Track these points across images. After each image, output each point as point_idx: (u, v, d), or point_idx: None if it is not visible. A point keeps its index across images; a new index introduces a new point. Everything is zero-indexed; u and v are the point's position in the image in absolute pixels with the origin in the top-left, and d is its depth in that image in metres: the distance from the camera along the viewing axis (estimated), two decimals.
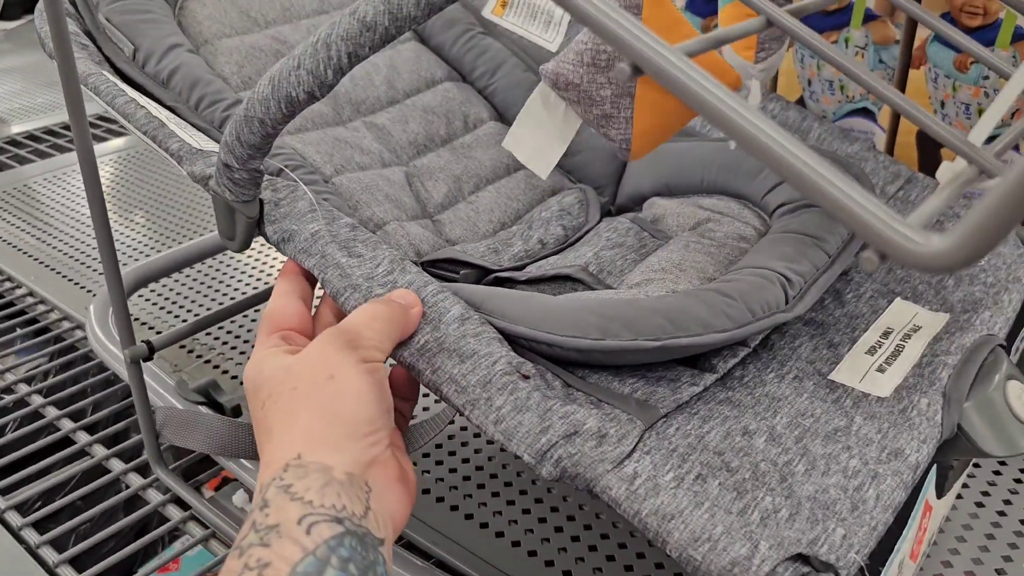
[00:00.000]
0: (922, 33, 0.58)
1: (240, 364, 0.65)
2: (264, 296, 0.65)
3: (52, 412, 0.61)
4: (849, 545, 0.33)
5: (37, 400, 0.62)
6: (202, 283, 0.76)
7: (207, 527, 0.51)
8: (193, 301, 0.73)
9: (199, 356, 0.66)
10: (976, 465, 0.54)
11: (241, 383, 0.64)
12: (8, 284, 0.76)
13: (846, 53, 0.62)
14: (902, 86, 0.60)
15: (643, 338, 0.37)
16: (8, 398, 0.61)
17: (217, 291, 0.75)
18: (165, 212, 0.89)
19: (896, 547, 0.34)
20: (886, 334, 0.44)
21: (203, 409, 0.53)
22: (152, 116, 0.48)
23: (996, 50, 0.52)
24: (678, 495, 0.33)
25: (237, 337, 0.68)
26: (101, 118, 1.14)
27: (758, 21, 0.32)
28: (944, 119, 0.56)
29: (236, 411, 0.56)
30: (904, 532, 0.35)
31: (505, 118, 0.65)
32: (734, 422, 0.38)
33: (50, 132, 1.13)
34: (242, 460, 0.51)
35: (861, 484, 0.35)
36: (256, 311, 0.71)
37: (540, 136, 0.44)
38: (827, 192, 0.22)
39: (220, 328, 0.69)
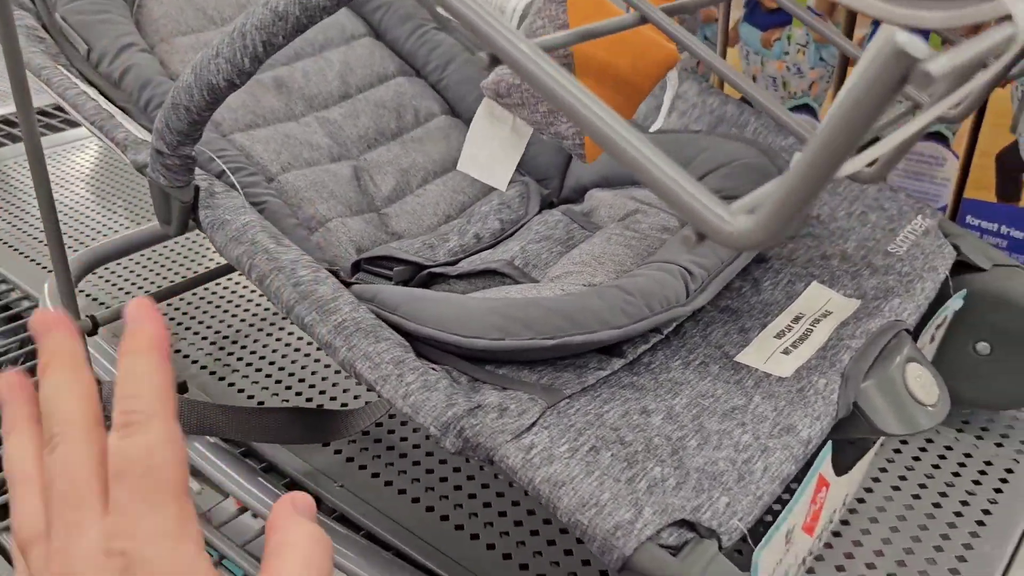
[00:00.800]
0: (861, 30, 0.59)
1: (185, 340, 0.68)
2: (215, 274, 0.68)
3: None
4: (732, 512, 0.34)
5: None
6: (162, 265, 0.78)
7: None
8: (151, 281, 0.76)
9: None
10: (897, 451, 0.56)
11: (179, 353, 0.66)
12: None
13: (789, 50, 0.63)
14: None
15: (541, 337, 0.39)
16: None
17: (175, 272, 0.77)
18: (143, 195, 0.92)
19: (782, 516, 0.36)
20: (797, 319, 0.46)
21: None
22: (101, 108, 0.50)
23: None
24: (570, 464, 0.35)
25: (184, 314, 0.71)
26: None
27: (631, 17, 0.34)
28: None
29: (182, 387, 0.58)
30: (791, 504, 0.37)
31: (456, 111, 0.67)
32: (634, 403, 0.39)
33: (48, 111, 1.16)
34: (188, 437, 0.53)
35: (750, 457, 0.37)
36: (206, 289, 0.74)
37: (492, 150, 0.46)
38: (655, 176, 0.23)
39: (169, 305, 0.72)
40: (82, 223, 0.87)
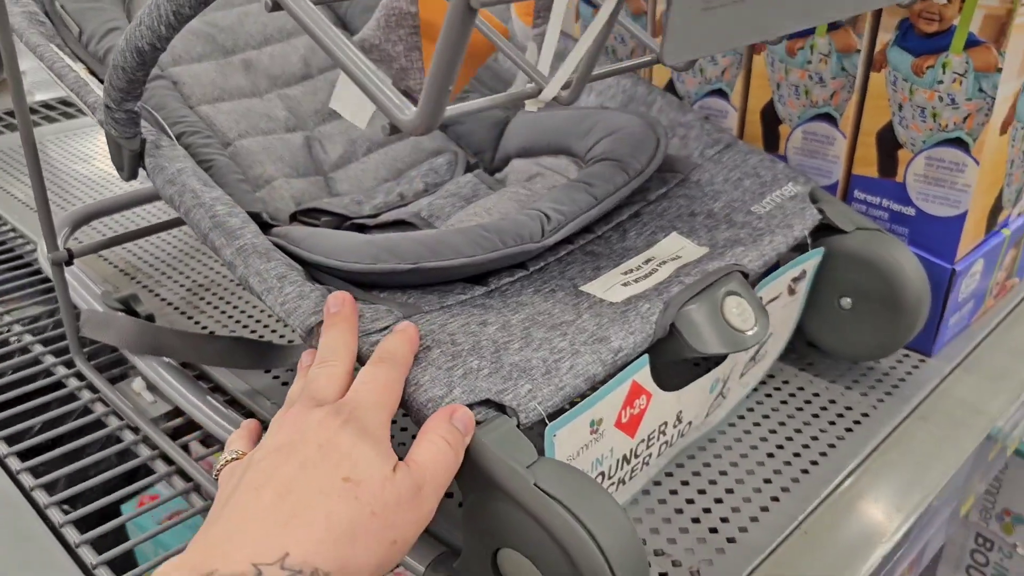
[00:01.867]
0: (883, 38, 0.63)
1: (159, 281, 0.78)
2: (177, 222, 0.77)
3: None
4: (532, 397, 0.42)
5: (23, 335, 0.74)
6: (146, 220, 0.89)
7: (121, 419, 0.62)
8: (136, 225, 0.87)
9: (126, 274, 0.79)
10: (768, 395, 0.62)
11: (157, 296, 0.75)
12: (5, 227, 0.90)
13: (811, 60, 0.66)
14: (864, 90, 0.64)
15: (403, 262, 0.47)
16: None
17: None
18: None
19: (582, 405, 0.43)
20: (648, 261, 0.53)
21: (120, 314, 0.64)
22: (80, 78, 0.60)
23: (949, 55, 0.58)
24: None
25: (159, 260, 0.82)
26: None
27: None
28: (902, 120, 0.62)
29: (150, 319, 0.67)
30: (593, 397, 0.44)
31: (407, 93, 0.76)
32: (477, 317, 0.47)
33: (62, 102, 1.30)
34: (146, 355, 0.63)
35: (560, 358, 0.44)
36: (170, 234, 0.84)
37: (356, 96, 0.54)
38: (360, 79, 0.31)
39: (146, 248, 0.82)
40: (80, 191, 0.98)
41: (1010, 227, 0.69)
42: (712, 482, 0.54)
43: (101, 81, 0.64)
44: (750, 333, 0.49)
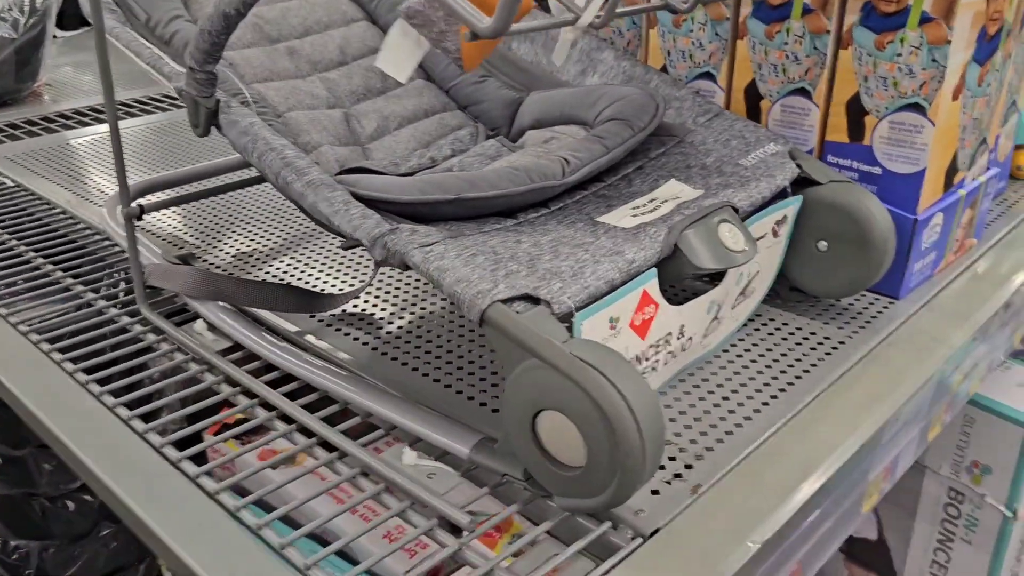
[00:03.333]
0: (848, 20, 0.72)
1: (205, 251, 0.86)
2: (250, 181, 0.85)
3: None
4: (563, 292, 0.50)
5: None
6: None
7: (187, 354, 0.70)
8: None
9: (174, 244, 0.87)
10: (756, 329, 0.70)
11: (206, 262, 0.83)
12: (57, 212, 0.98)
13: (788, 41, 0.76)
14: (834, 65, 0.73)
15: (448, 193, 0.56)
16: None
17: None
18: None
19: (604, 301, 0.51)
20: (652, 200, 0.62)
21: (182, 266, 0.72)
22: (155, 53, 0.69)
23: (906, 31, 0.68)
24: (455, 261, 0.51)
25: (201, 229, 0.89)
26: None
27: None
28: (867, 91, 0.72)
29: (184, 260, 0.76)
30: (612, 296, 0.52)
31: (431, 77, 0.85)
32: (512, 237, 0.56)
33: (92, 109, 1.39)
34: (208, 302, 0.71)
35: (583, 266, 0.52)
36: (217, 204, 0.92)
37: (401, 54, 0.63)
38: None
39: (191, 218, 0.90)
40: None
41: (965, 188, 0.78)
42: (710, 392, 0.62)
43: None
44: (740, 252, 0.58)
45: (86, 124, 1.33)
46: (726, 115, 0.74)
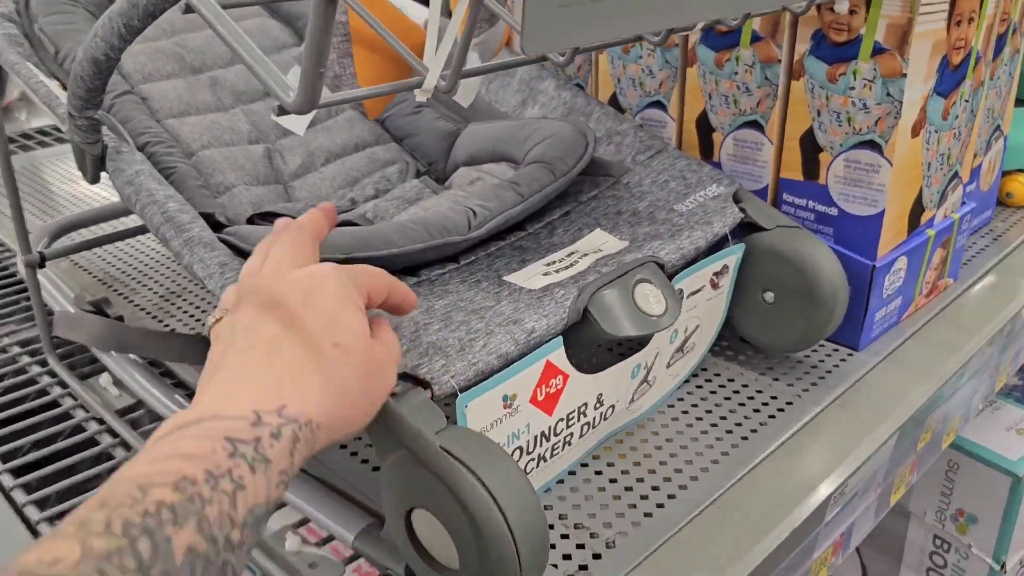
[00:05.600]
0: (800, 48, 0.65)
1: (133, 289, 0.82)
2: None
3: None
4: (446, 371, 0.45)
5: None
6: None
7: (88, 411, 0.66)
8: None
9: (102, 282, 0.84)
10: (699, 386, 0.65)
11: (131, 303, 0.79)
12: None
13: (737, 71, 0.70)
14: (786, 97, 0.68)
15: (337, 253, 0.51)
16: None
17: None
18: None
19: (495, 380, 0.46)
20: (571, 254, 0.57)
21: (89, 314, 0.68)
22: (51, 92, 0.64)
23: (858, 63, 0.62)
24: None
25: (130, 265, 0.86)
26: None
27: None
28: (820, 125, 0.66)
29: (119, 319, 0.71)
30: (506, 373, 0.47)
31: (362, 107, 0.80)
32: None
33: (56, 128, 1.37)
34: (112, 353, 0.66)
35: (475, 338, 0.47)
36: (144, 244, 0.88)
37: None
38: (253, 67, 0.35)
39: (116, 254, 0.86)
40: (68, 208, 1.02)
41: (935, 228, 0.72)
42: (636, 463, 0.57)
43: None
44: (661, 317, 0.52)
45: (48, 145, 1.30)
46: (669, 152, 0.69)
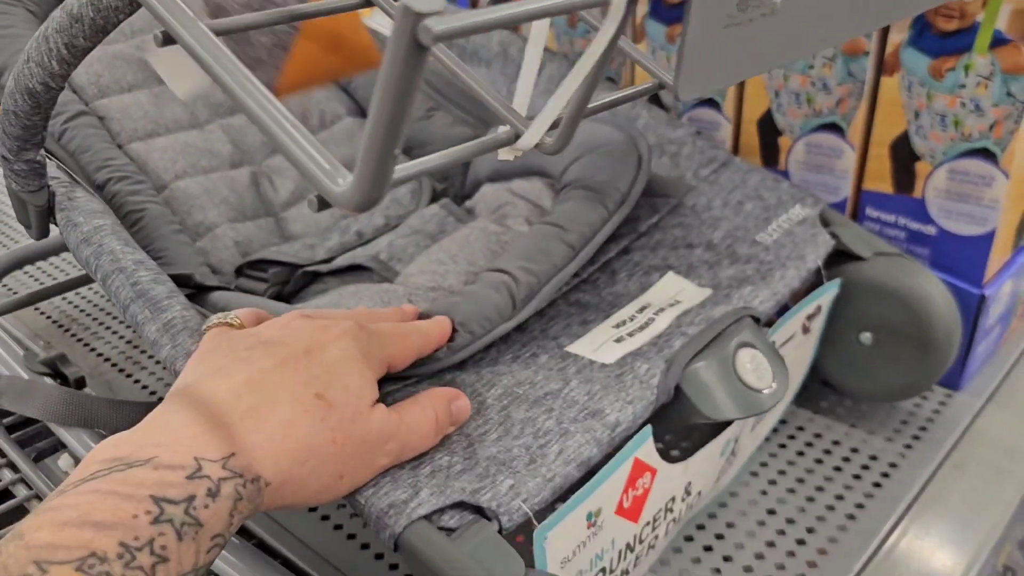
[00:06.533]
0: (894, 38, 0.55)
1: (95, 333, 0.71)
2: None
3: None
4: (516, 494, 0.34)
5: None
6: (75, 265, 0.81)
7: (31, 488, 0.54)
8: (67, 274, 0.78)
9: (61, 326, 0.72)
10: (782, 445, 0.55)
11: (94, 351, 0.68)
12: None
13: (813, 64, 0.58)
14: (874, 96, 0.57)
15: None
16: None
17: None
18: None
19: (576, 498, 0.36)
20: (642, 309, 0.46)
21: (45, 380, 0.57)
22: None
23: (973, 56, 0.51)
24: None
25: (95, 306, 0.75)
26: None
27: None
28: (919, 130, 0.55)
29: (80, 383, 0.60)
30: (589, 485, 0.36)
31: (364, 112, 0.68)
32: None
33: None
34: (74, 428, 0.55)
35: (547, 442, 0.37)
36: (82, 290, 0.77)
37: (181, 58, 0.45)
38: (282, 141, 0.24)
39: (81, 297, 0.75)
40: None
41: None
42: (727, 558, 0.47)
43: None
44: (768, 392, 0.42)
45: None
46: (736, 164, 0.58)
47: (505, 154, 0.29)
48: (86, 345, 0.69)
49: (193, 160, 0.60)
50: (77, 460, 0.56)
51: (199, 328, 0.40)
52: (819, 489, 0.51)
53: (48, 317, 0.74)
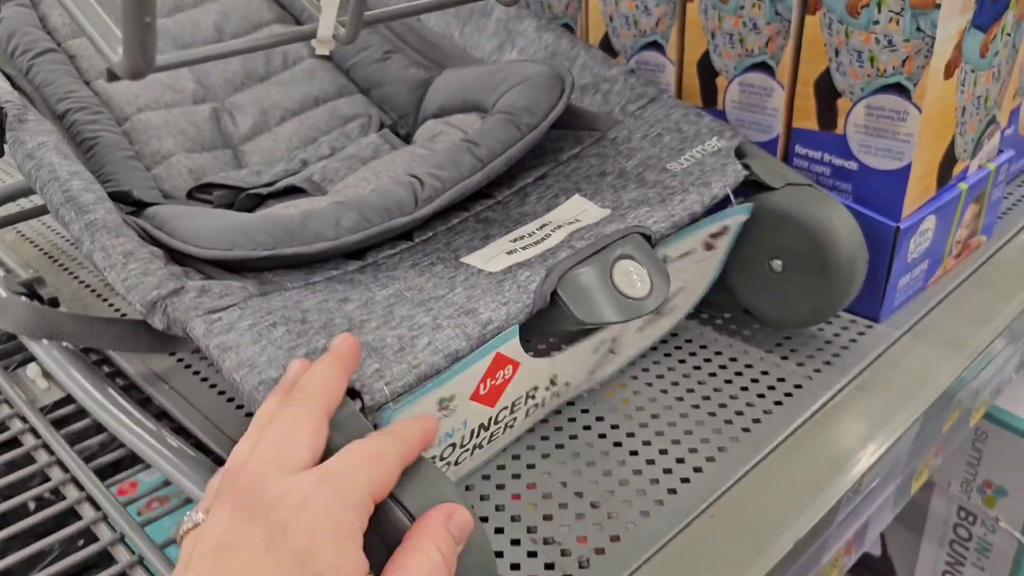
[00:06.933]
0: None
1: (75, 258, 0.76)
2: None
3: None
4: (380, 377, 0.38)
5: None
6: None
7: (12, 407, 0.59)
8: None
9: (49, 256, 0.78)
10: (696, 367, 0.57)
11: (76, 278, 0.73)
12: None
13: (744, 4, 0.60)
14: (800, 35, 0.59)
15: (260, 248, 0.44)
16: None
17: None
18: None
19: (432, 384, 0.39)
20: (542, 227, 0.49)
21: (21, 299, 0.62)
22: None
23: None
24: (244, 334, 0.39)
25: (74, 245, 0.79)
26: None
27: None
28: (839, 67, 0.57)
29: (53, 302, 0.65)
30: (447, 374, 0.40)
31: (329, 58, 0.72)
32: (340, 293, 0.43)
33: None
34: (43, 341, 0.60)
35: (418, 334, 0.40)
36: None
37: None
38: (75, 14, 0.28)
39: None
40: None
41: (968, 180, 0.64)
42: (621, 462, 0.50)
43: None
44: (645, 300, 0.45)
45: None
46: (664, 101, 0.60)
47: (320, 48, 0.32)
48: (70, 273, 0.75)
49: (156, 96, 0.65)
50: (44, 370, 0.61)
51: (117, 228, 0.44)
52: (722, 406, 0.54)
53: (36, 246, 0.79)
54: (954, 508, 0.91)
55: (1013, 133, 0.76)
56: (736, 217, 0.54)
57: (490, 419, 0.44)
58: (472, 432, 0.43)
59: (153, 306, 0.41)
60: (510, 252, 0.46)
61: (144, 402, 0.58)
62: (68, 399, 0.58)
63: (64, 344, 0.60)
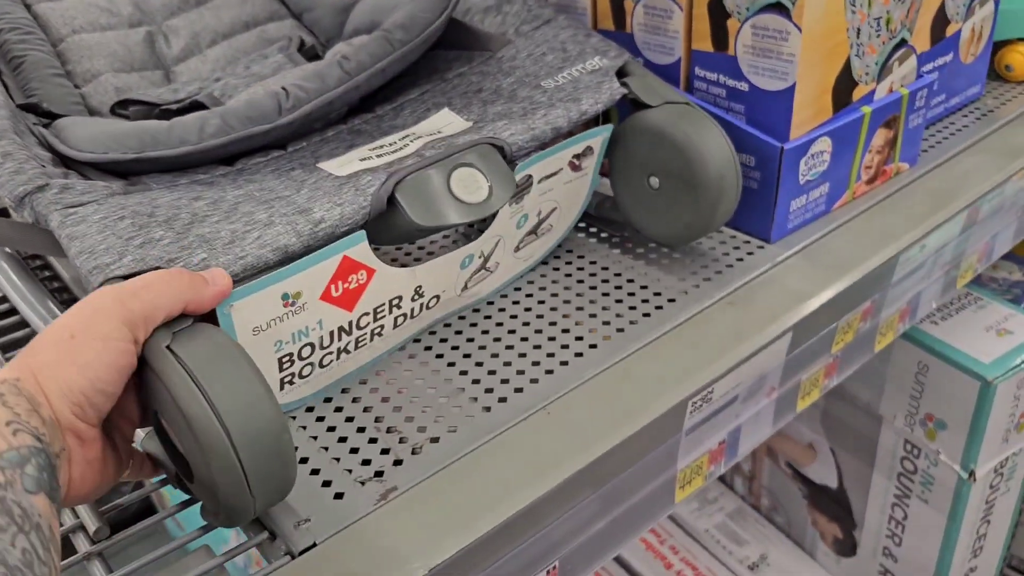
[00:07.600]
0: None
1: None
2: None
3: None
4: (206, 266, 0.42)
5: None
6: None
7: None
8: None
9: None
10: (580, 281, 0.60)
11: None
12: None
13: None
14: None
15: (130, 152, 0.47)
16: None
17: None
18: None
19: (268, 279, 0.43)
20: (404, 137, 0.52)
21: None
22: None
23: None
24: (92, 225, 0.43)
25: None
26: None
27: None
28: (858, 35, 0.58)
29: (3, 212, 0.70)
30: (286, 271, 0.43)
31: None
32: (193, 193, 0.47)
33: None
34: None
35: (251, 229, 0.44)
36: None
37: None
38: None
39: None
40: None
41: (872, 105, 0.63)
42: (479, 364, 0.53)
43: None
44: (481, 204, 0.47)
45: None
46: (558, 22, 0.61)
47: None
48: None
49: (92, 18, 0.68)
50: None
51: (2, 132, 0.48)
52: (592, 316, 0.56)
53: None
54: (900, 441, 0.92)
55: (953, 60, 0.74)
56: (599, 137, 0.56)
57: (351, 323, 0.47)
58: (332, 334, 0.47)
59: (21, 200, 0.45)
60: (363, 159, 0.49)
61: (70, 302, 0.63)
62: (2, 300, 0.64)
63: (5, 250, 0.66)
